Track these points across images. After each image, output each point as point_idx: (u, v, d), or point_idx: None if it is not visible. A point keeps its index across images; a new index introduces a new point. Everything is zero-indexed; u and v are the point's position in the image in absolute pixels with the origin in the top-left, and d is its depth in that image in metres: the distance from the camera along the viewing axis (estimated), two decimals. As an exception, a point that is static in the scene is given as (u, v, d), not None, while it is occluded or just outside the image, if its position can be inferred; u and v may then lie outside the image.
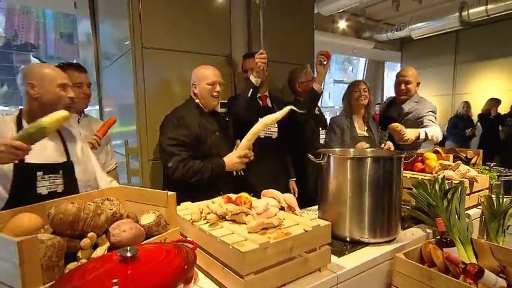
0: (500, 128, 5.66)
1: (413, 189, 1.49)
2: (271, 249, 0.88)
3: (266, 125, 1.59)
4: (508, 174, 1.92)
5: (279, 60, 2.47)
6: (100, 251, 0.81)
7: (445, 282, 1.05)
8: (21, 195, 1.23)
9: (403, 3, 5.81)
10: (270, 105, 2.20)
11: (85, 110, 1.93)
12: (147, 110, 2.02)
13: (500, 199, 1.59)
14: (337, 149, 1.59)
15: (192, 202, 1.27)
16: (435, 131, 2.17)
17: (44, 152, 1.31)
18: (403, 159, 1.33)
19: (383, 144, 2.23)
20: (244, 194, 1.15)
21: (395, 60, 8.12)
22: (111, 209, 0.91)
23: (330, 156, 1.29)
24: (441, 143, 4.51)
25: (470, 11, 5.60)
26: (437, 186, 1.44)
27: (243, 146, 1.67)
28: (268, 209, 1.09)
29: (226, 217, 1.01)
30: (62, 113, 1.15)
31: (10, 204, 1.16)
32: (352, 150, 1.55)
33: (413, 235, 1.36)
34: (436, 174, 1.68)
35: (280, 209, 1.14)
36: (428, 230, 1.40)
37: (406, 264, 1.15)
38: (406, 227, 1.44)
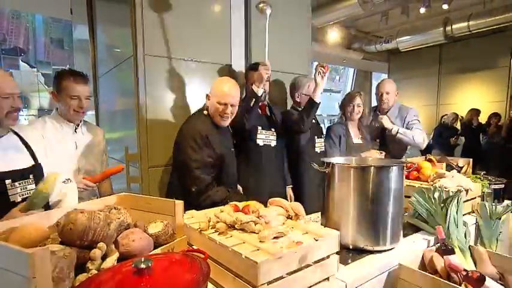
0: (481, 137, 5.89)
1: (413, 197, 1.52)
2: (284, 259, 0.88)
3: None
4: (498, 182, 1.99)
5: (278, 70, 2.51)
6: (110, 262, 0.78)
7: (448, 290, 1.07)
8: None
9: (392, 17, 6.04)
10: (268, 113, 2.22)
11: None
12: (148, 117, 2.00)
13: (494, 206, 1.65)
14: (341, 158, 1.61)
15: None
16: (416, 135, 2.49)
17: (6, 158, 1.27)
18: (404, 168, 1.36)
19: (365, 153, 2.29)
20: (251, 203, 1.14)
21: (383, 71, 8.39)
22: (119, 218, 0.89)
23: (334, 165, 1.30)
24: (428, 152, 4.77)
25: (454, 26, 5.95)
26: (436, 195, 1.48)
27: None
28: (276, 218, 1.09)
29: (236, 226, 1.00)
30: (53, 175, 1.19)
31: None
32: (354, 158, 1.57)
33: (414, 243, 1.38)
34: (432, 183, 1.72)
35: (287, 218, 1.13)
36: (427, 237, 1.43)
37: (411, 272, 1.17)
38: (405, 234, 1.46)
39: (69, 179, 1.49)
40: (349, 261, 1.18)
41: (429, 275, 1.16)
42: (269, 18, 1.94)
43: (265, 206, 1.21)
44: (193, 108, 2.20)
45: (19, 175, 1.28)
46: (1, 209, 1.15)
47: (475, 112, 6.05)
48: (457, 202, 1.47)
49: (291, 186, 2.35)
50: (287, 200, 1.34)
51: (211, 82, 1.95)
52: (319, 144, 2.40)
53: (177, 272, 0.77)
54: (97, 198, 1.67)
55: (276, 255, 0.85)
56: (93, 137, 1.85)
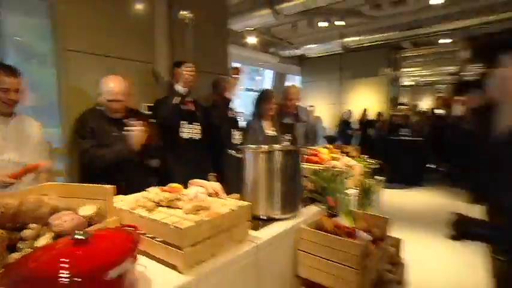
0: (368, 130, 7.49)
1: (311, 176, 1.88)
2: (204, 226, 1.07)
3: None
4: (373, 163, 2.58)
5: (201, 69, 2.69)
6: (43, 240, 0.85)
7: (336, 242, 1.42)
8: None
9: (300, 27, 6.89)
10: (193, 109, 2.41)
11: None
12: (71, 113, 1.98)
13: (368, 181, 2.16)
14: (253, 146, 1.88)
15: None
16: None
17: None
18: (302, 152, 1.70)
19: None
20: (175, 184, 1.30)
21: (297, 74, 9.43)
22: (49, 203, 0.94)
23: (247, 151, 1.55)
24: (333, 142, 6.07)
25: (348, 39, 7.22)
26: (327, 173, 1.87)
27: None
28: (197, 195, 1.27)
29: (162, 203, 1.15)
30: None
31: None
32: (264, 146, 1.86)
33: (311, 211, 1.73)
34: (327, 164, 2.15)
35: (208, 195, 1.33)
36: (322, 207, 1.80)
37: (309, 232, 1.49)
38: (305, 205, 1.81)
39: None
40: (260, 228, 1.44)
41: (322, 232, 1.50)
42: (191, 24, 2.13)
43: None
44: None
45: None
46: None
47: (365, 112, 7.95)
48: (343, 178, 1.89)
49: (214, 174, 2.55)
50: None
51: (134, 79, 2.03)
52: (237, 136, 2.68)
53: (113, 242, 0.88)
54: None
55: (198, 223, 1.04)
56: (27, 128, 1.73)
